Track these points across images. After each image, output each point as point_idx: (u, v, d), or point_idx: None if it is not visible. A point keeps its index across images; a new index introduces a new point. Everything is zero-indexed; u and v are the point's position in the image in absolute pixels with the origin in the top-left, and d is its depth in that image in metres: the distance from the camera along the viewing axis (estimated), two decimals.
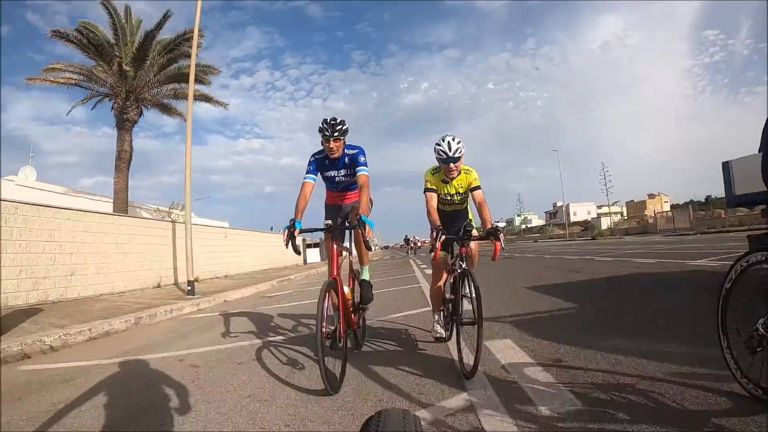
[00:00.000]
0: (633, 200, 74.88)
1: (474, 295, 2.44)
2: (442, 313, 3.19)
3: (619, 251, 12.98)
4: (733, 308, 1.86)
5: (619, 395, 1.97)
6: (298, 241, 2.77)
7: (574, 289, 5.52)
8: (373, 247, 3.01)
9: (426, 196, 3.08)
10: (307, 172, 3.01)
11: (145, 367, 3.35)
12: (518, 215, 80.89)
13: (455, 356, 2.72)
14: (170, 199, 20.05)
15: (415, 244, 32.42)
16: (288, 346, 3.67)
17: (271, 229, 23.30)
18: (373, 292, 3.17)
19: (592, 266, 8.78)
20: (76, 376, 3.11)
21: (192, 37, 10.61)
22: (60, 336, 4.34)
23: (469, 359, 2.43)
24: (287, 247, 2.67)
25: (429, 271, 7.29)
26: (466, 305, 2.63)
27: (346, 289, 2.81)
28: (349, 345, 2.80)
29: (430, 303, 3.52)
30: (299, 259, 23.00)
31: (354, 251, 3.11)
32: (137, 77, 11.90)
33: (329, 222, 2.84)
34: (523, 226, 76.48)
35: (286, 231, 2.65)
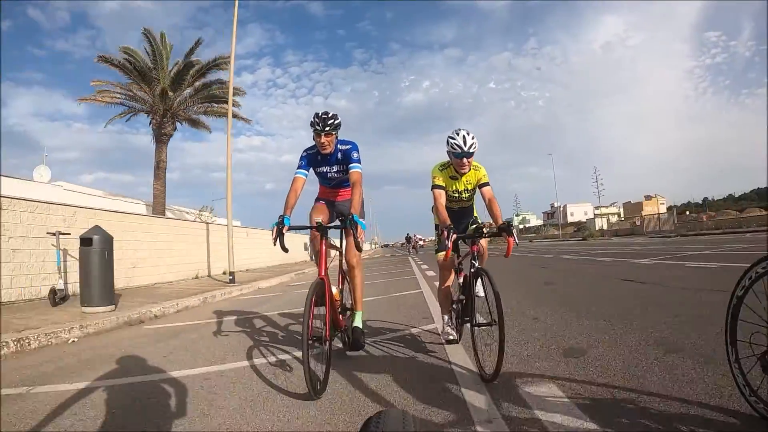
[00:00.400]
0: (630, 201, 76.59)
1: (493, 294, 2.31)
2: (451, 314, 3.09)
3: (595, 251, 14.77)
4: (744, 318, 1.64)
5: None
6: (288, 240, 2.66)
7: (521, 280, 7.31)
8: (362, 248, 2.93)
9: (434, 193, 2.96)
10: (298, 167, 2.92)
11: (231, 322, 5.15)
12: (516, 215, 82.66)
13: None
14: (201, 204, 21.84)
15: (416, 242, 30.78)
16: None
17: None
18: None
19: (557, 263, 10.59)
20: (180, 332, 4.70)
21: (222, 63, 12.45)
22: (160, 309, 6.14)
23: (485, 361, 2.39)
24: (275, 245, 2.56)
25: (430, 273, 8.65)
26: (479, 305, 2.54)
27: (335, 290, 2.74)
28: (340, 346, 2.90)
29: (438, 304, 3.45)
30: (307, 256, 24.71)
31: (343, 251, 3.03)
32: (175, 98, 13.76)
33: (319, 220, 2.75)
34: (521, 226, 78.20)
35: (275, 228, 2.54)
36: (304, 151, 2.99)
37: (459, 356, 2.83)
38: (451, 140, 2.79)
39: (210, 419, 2.07)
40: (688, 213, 40.45)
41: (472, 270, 2.64)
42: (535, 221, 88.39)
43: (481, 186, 2.97)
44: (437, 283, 3.47)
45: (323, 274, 2.51)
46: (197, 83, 14.13)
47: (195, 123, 15.45)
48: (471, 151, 2.77)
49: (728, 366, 1.69)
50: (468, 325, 2.68)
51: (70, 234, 7.07)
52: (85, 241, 5.63)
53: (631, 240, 25.55)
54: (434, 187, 2.96)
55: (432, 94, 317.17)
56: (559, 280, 7.21)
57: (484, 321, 2.46)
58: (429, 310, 4.92)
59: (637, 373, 2.25)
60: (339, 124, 2.82)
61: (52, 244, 7.08)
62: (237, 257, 15.30)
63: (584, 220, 67.92)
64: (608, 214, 78.23)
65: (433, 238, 3.55)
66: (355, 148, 2.93)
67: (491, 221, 2.92)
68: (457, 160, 2.82)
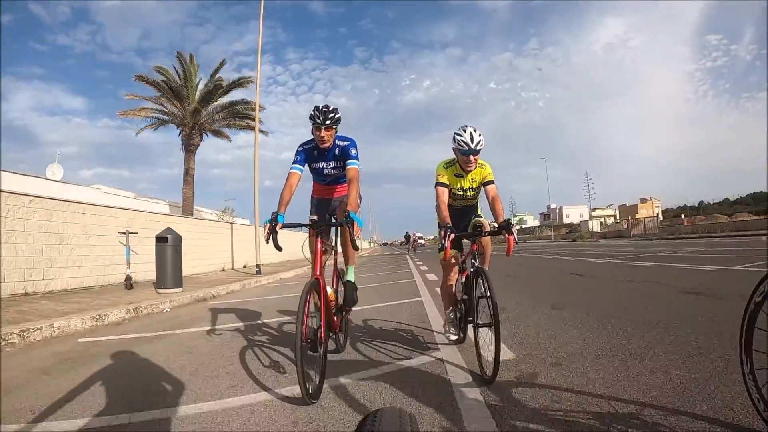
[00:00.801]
0: (626, 204, 78.45)
1: (488, 295, 2.34)
2: (455, 313, 3.07)
3: (571, 252, 16.65)
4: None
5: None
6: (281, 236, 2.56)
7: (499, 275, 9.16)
8: (359, 247, 2.87)
9: (437, 190, 2.94)
10: (293, 162, 2.86)
11: (276, 300, 7.02)
12: (514, 215, 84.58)
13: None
14: (223, 207, 23.66)
15: (415, 241, 30.30)
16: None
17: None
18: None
19: (531, 260, 12.48)
20: (237, 306, 6.57)
21: (245, 82, 14.32)
22: (216, 291, 8.04)
23: (487, 362, 2.39)
24: (267, 243, 2.52)
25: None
26: (482, 306, 2.53)
27: (329, 290, 2.71)
28: (333, 347, 2.91)
29: (437, 305, 3.49)
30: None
31: (339, 249, 3.03)
32: (203, 114, 15.69)
33: (314, 218, 2.69)
34: (519, 227, 79.91)
35: (268, 225, 2.50)
36: (300, 146, 2.92)
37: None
38: (458, 137, 2.79)
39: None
40: (683, 216, 42.36)
41: (472, 269, 2.68)
42: (532, 222, 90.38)
43: (485, 184, 2.96)
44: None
45: (318, 273, 2.47)
46: (223, 100, 16.21)
47: (217, 133, 17.39)
48: (478, 148, 2.76)
49: (741, 376, 1.57)
50: (471, 325, 2.67)
51: (137, 233, 8.96)
52: (161, 239, 7.52)
53: (615, 242, 27.34)
54: (437, 184, 2.95)
55: (432, 93, 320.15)
56: (522, 273, 9.10)
57: (486, 321, 2.46)
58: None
59: (525, 316, 4.13)
60: (339, 119, 2.78)
61: (120, 242, 8.96)
62: (251, 253, 17.27)
63: (578, 222, 69.56)
64: (604, 216, 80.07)
65: (436, 237, 3.50)
66: (354, 144, 2.89)
67: (492, 219, 2.93)
68: (464, 157, 2.82)
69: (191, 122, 15.53)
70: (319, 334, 2.36)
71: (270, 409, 2.18)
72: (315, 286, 2.40)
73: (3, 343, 3.92)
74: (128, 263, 8.97)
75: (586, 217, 71.57)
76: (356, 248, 2.85)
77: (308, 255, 2.82)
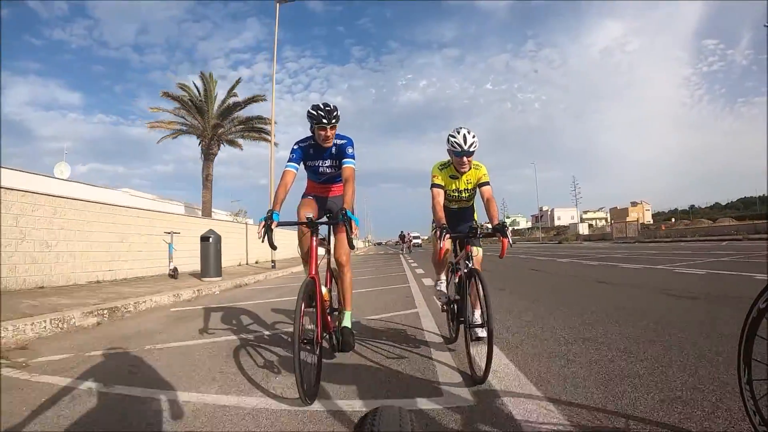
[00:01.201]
0: (617, 207, 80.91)
1: (482, 296, 2.34)
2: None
3: (555, 253, 18.69)
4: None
5: None
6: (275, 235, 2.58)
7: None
8: (355, 246, 2.61)
9: (432, 192, 2.97)
10: (289, 160, 2.85)
11: (297, 286, 8.95)
12: (507, 217, 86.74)
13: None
14: (236, 208, 25.48)
15: (410, 241, 30.12)
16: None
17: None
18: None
19: (510, 259, 14.49)
20: (271, 288, 8.60)
21: (260, 99, 16.25)
22: (246, 280, 9.98)
23: (477, 364, 2.41)
24: (263, 241, 2.48)
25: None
26: (474, 307, 2.54)
27: (324, 290, 2.68)
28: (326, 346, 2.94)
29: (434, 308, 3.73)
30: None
31: (333, 248, 3.01)
32: (222, 127, 17.67)
33: (310, 215, 2.66)
34: (511, 228, 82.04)
35: (263, 223, 2.46)
36: (295, 144, 2.93)
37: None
38: (452, 138, 2.82)
39: None
40: (673, 220, 44.36)
41: (465, 270, 2.68)
42: (524, 224, 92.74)
43: (481, 185, 3.00)
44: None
45: (314, 273, 2.46)
46: (240, 114, 18.28)
47: (232, 143, 19.33)
48: (471, 150, 2.80)
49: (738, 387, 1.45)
50: (462, 325, 2.67)
51: (179, 233, 10.87)
52: (205, 239, 9.46)
53: (595, 245, 29.28)
54: (433, 185, 2.99)
55: (429, 93, 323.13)
56: (495, 268, 11.11)
57: (479, 322, 2.48)
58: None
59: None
60: (339, 117, 2.80)
61: (164, 240, 10.88)
62: (263, 251, 19.23)
63: (568, 224, 71.68)
64: (595, 218, 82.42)
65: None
66: (351, 143, 2.90)
67: (487, 221, 2.93)
68: (457, 158, 2.86)
69: (211, 134, 17.45)
70: (315, 335, 2.35)
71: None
72: (311, 285, 2.41)
73: (123, 311, 5.84)
74: (171, 257, 10.92)
75: (576, 220, 74.01)
76: (352, 247, 2.79)
77: (301, 253, 2.89)
